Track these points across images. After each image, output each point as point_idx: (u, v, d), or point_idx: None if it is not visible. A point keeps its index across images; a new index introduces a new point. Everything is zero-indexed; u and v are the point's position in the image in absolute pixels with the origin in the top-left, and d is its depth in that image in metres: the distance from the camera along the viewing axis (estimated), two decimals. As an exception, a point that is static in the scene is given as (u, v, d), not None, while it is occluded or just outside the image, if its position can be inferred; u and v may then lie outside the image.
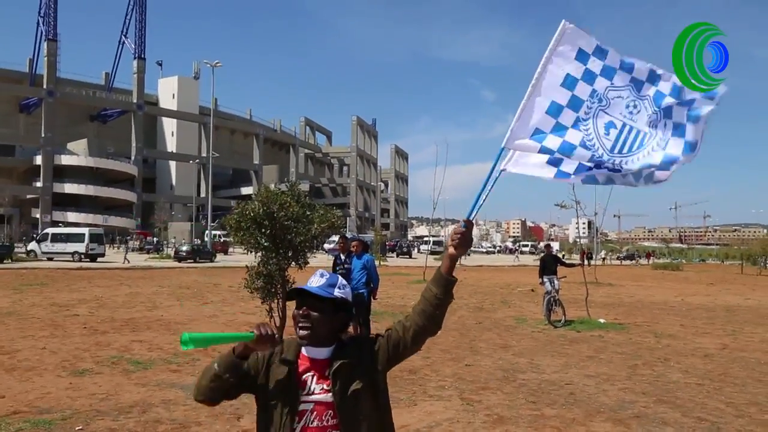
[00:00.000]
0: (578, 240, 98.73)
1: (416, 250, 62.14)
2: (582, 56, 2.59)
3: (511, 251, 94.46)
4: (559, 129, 2.59)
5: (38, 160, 79.08)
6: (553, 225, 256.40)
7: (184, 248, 45.30)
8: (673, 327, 14.28)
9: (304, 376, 2.21)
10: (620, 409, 6.96)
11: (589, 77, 2.60)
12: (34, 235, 48.90)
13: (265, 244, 10.17)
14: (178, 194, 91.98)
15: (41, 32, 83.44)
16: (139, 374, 8.14)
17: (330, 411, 2.17)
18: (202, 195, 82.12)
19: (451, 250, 2.32)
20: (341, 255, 10.98)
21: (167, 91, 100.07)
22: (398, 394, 7.49)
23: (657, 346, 11.54)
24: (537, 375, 8.71)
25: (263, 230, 10.18)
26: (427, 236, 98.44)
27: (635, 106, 2.60)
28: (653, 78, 2.60)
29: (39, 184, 78.16)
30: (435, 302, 2.28)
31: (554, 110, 2.59)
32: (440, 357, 9.84)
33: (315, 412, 2.16)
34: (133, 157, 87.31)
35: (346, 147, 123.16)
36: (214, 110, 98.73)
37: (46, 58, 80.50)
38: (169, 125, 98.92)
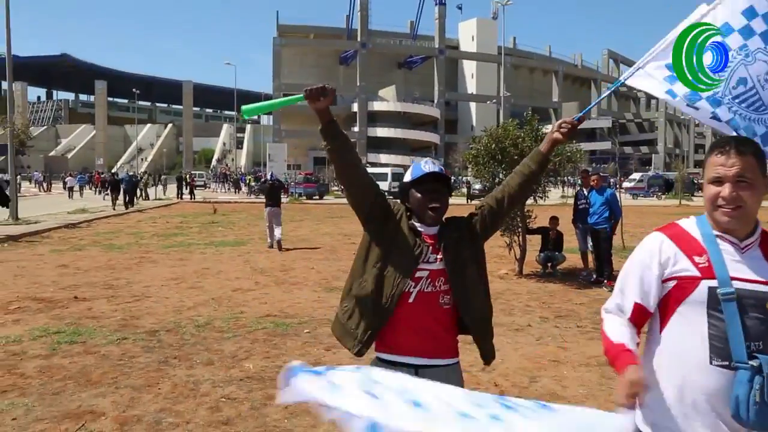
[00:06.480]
0: None
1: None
2: (749, 13, 2.52)
3: None
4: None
5: (355, 107, 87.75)
6: None
7: (477, 186, 46.99)
8: None
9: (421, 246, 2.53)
10: None
11: (747, 33, 2.52)
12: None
13: (502, 177, 10.43)
14: (479, 134, 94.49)
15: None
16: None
17: (442, 277, 2.50)
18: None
19: (557, 135, 2.62)
20: (584, 189, 10.85)
21: (467, 34, 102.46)
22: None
23: None
24: None
25: (500, 164, 10.47)
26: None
27: None
28: None
29: (356, 129, 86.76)
30: (530, 176, 2.67)
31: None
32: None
33: (429, 279, 2.48)
34: (436, 101, 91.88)
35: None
36: (513, 49, 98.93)
37: (359, 13, 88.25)
38: (469, 67, 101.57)
